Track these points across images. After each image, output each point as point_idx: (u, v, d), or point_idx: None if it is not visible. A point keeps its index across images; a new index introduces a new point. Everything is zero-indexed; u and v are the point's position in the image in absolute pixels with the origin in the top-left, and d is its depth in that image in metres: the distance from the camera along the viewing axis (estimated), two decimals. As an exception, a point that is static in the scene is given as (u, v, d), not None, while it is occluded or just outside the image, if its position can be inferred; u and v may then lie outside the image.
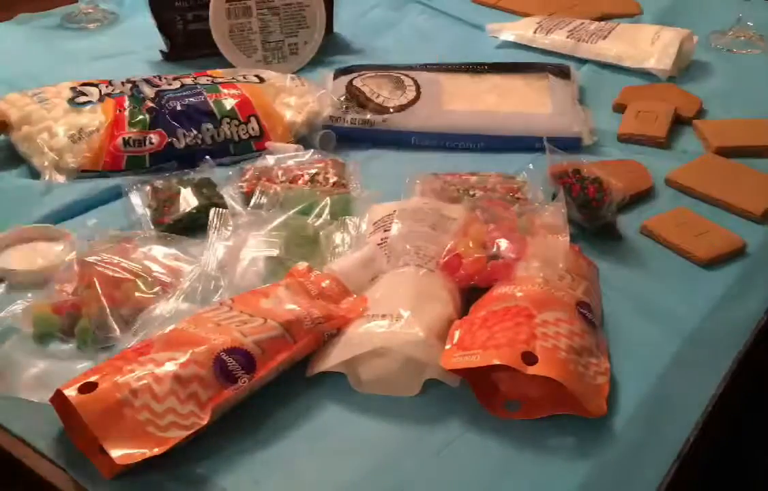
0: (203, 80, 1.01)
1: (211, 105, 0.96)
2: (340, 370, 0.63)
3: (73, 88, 0.96)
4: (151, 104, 0.94)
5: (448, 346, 0.62)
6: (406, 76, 1.07)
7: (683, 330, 0.69)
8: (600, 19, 1.37)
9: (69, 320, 0.67)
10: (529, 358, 0.58)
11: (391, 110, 1.01)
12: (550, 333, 0.60)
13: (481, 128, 1.00)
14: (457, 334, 0.63)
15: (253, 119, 0.97)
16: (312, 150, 0.94)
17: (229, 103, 0.96)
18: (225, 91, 0.98)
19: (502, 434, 0.59)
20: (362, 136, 1.00)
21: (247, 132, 0.96)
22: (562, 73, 1.12)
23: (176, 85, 0.99)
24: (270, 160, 0.91)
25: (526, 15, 1.41)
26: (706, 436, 0.61)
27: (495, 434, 0.59)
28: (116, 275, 0.70)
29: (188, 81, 1.00)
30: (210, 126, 0.94)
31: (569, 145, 0.95)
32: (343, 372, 0.63)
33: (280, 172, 0.88)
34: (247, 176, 0.88)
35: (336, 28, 1.32)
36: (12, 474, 0.59)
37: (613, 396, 0.61)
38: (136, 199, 0.84)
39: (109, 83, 0.99)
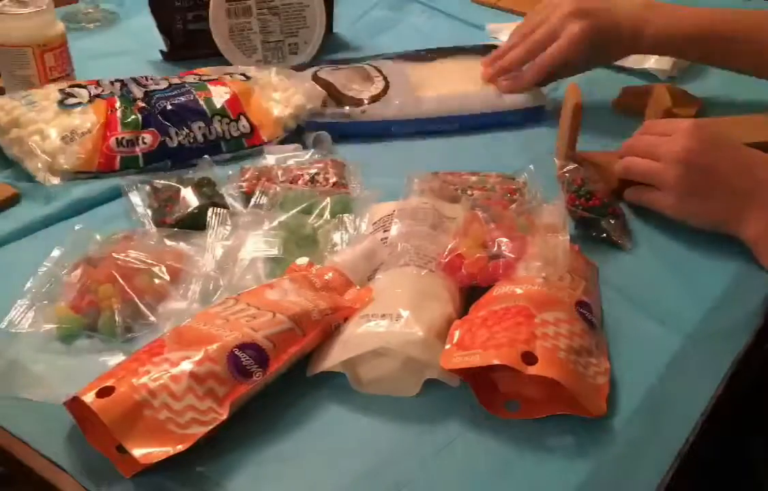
0: (190, 78, 1.01)
1: (202, 103, 0.96)
2: (340, 370, 0.63)
3: (61, 90, 0.96)
4: (142, 104, 0.94)
5: (448, 346, 0.62)
6: (371, 67, 1.09)
7: (683, 330, 0.69)
8: (600, 19, 1.37)
9: (90, 317, 0.67)
10: (529, 358, 0.58)
11: (366, 102, 1.02)
12: (550, 333, 0.60)
13: (455, 109, 1.04)
14: (457, 334, 0.63)
15: (242, 117, 0.97)
16: (312, 150, 0.95)
17: (219, 102, 0.97)
18: (213, 88, 0.98)
19: (502, 434, 0.59)
20: (342, 129, 1.01)
21: (238, 129, 0.96)
22: None
23: (164, 84, 0.99)
24: (270, 159, 0.92)
25: (526, 15, 1.41)
26: (706, 436, 0.61)
27: (495, 434, 0.59)
28: (131, 266, 0.71)
29: (175, 81, 1.00)
30: (201, 124, 0.94)
31: (534, 115, 1.05)
32: (344, 372, 0.63)
33: (280, 172, 0.88)
34: (247, 176, 0.88)
35: (336, 28, 1.32)
36: (12, 474, 0.59)
37: (613, 396, 0.61)
38: (136, 198, 0.84)
39: (98, 84, 0.99)
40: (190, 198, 0.82)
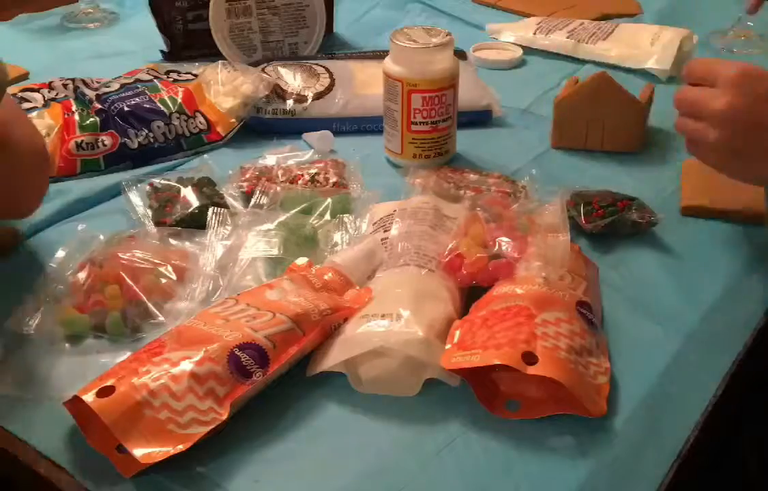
0: (144, 76, 1.02)
1: (158, 103, 0.96)
2: (340, 370, 0.63)
3: (14, 95, 0.95)
4: (98, 106, 0.94)
5: (448, 346, 0.62)
6: (317, 65, 1.09)
7: (683, 330, 0.69)
8: (600, 19, 1.37)
9: (96, 317, 0.68)
10: (530, 358, 0.58)
11: (310, 98, 1.03)
12: (551, 333, 0.60)
13: None
14: (457, 334, 0.63)
15: (198, 114, 0.98)
16: (312, 150, 0.95)
17: (174, 100, 0.97)
18: (164, 89, 0.99)
19: (502, 434, 0.59)
20: (284, 126, 1.02)
21: (197, 126, 0.97)
22: (461, 54, 1.15)
23: (115, 85, 0.99)
24: (270, 159, 0.92)
25: (526, 15, 1.41)
26: (706, 436, 0.61)
27: (495, 434, 0.59)
28: (137, 266, 0.71)
29: (127, 81, 1.00)
30: (161, 123, 0.95)
31: (481, 117, 1.05)
32: (343, 372, 0.63)
33: (280, 172, 0.88)
34: (247, 176, 0.88)
35: (336, 28, 1.32)
36: (12, 474, 0.59)
37: (613, 396, 0.61)
38: (136, 198, 0.84)
39: (50, 87, 0.98)
40: (190, 198, 0.82)
